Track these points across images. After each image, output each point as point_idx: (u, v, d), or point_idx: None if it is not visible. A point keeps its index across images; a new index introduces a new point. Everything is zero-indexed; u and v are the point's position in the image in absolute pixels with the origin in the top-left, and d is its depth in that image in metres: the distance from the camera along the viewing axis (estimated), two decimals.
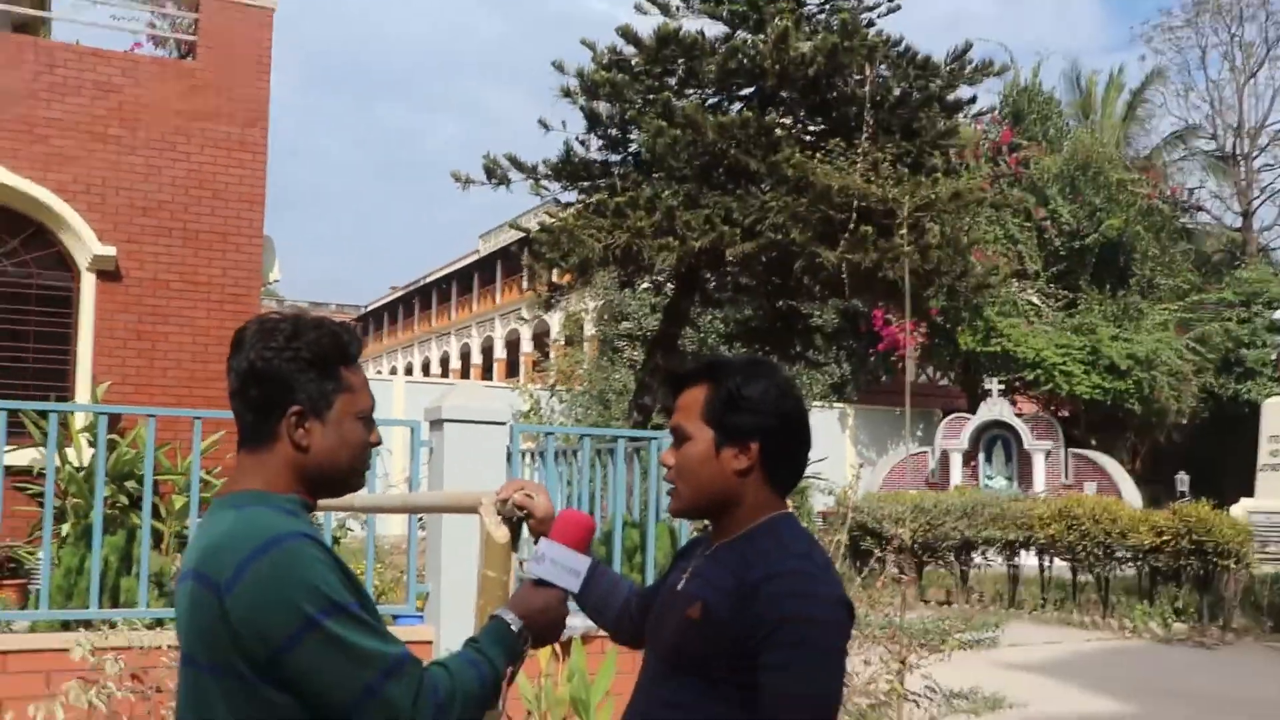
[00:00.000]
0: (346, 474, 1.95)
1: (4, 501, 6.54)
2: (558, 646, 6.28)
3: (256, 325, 1.95)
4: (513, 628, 2.01)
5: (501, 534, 2.28)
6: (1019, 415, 25.55)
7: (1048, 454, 24.66)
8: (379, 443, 2.02)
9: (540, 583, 2.13)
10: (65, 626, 5.67)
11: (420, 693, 1.77)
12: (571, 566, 2.14)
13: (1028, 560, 16.57)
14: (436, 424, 6.76)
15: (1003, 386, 25.64)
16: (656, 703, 2.13)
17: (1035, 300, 27.81)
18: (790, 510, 2.21)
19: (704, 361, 2.22)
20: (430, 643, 6.30)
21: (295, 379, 1.90)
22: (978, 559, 17.03)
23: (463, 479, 6.48)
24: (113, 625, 5.51)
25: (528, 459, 8.75)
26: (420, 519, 9.11)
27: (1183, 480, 26.51)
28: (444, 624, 6.38)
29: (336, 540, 9.06)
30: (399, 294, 61.79)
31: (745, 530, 2.13)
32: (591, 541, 2.19)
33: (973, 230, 23.27)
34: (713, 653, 2.01)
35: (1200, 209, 36.27)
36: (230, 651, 1.74)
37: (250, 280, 10.74)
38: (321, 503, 2.02)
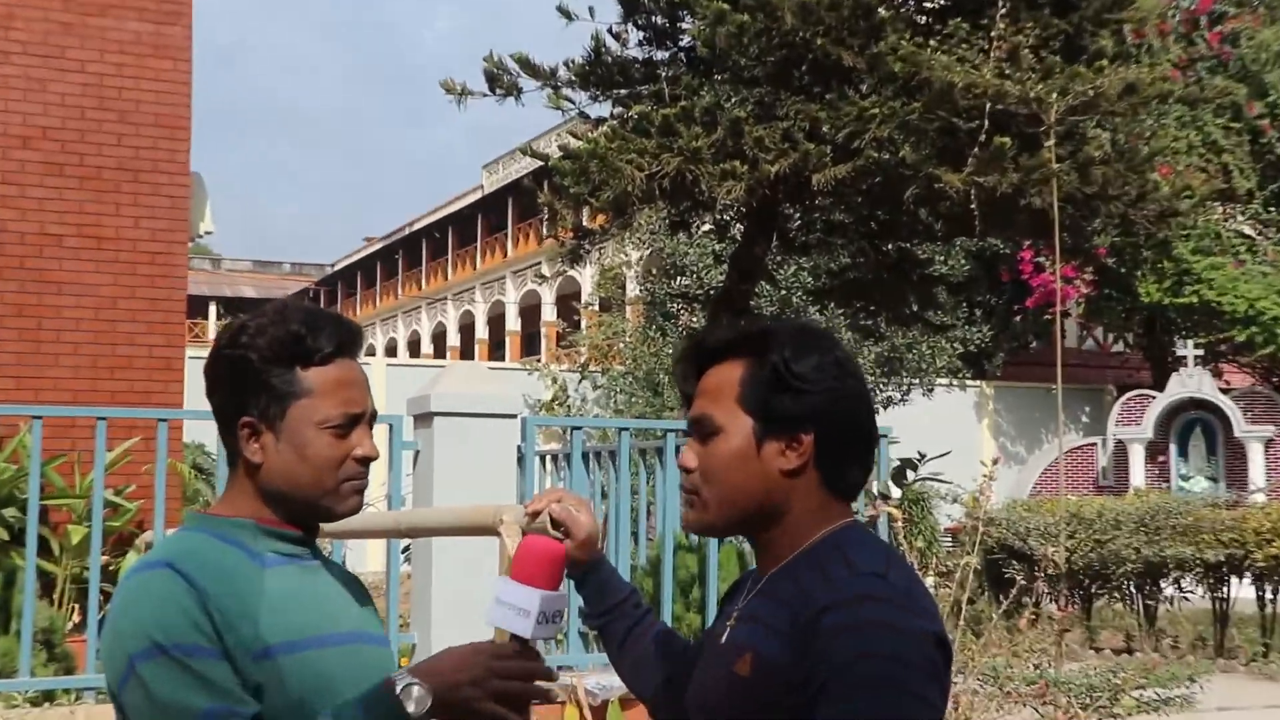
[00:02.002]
0: (314, 496, 2.20)
1: None
2: (588, 711, 6.34)
3: (238, 320, 2.26)
4: (397, 687, 2.06)
5: None
6: (1226, 391, 25.32)
7: (1268, 443, 24.41)
8: (370, 456, 2.23)
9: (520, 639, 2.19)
10: None
11: None
12: (519, 605, 2.17)
13: (1242, 592, 16.44)
14: (423, 418, 6.92)
15: (1202, 352, 25.38)
16: None
17: (1248, 230, 27.46)
18: (857, 519, 2.24)
19: (737, 331, 2.27)
20: None
21: (243, 384, 2.18)
22: (1169, 590, 16.90)
23: (458, 490, 6.59)
24: None
25: (549, 463, 8.86)
26: (405, 549, 9.19)
27: None
28: None
29: None
30: (376, 247, 62.13)
31: (801, 550, 2.17)
32: (563, 574, 2.24)
33: (1156, 137, 23.00)
34: (769, 717, 2.04)
35: None
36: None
37: (172, 233, 10.85)
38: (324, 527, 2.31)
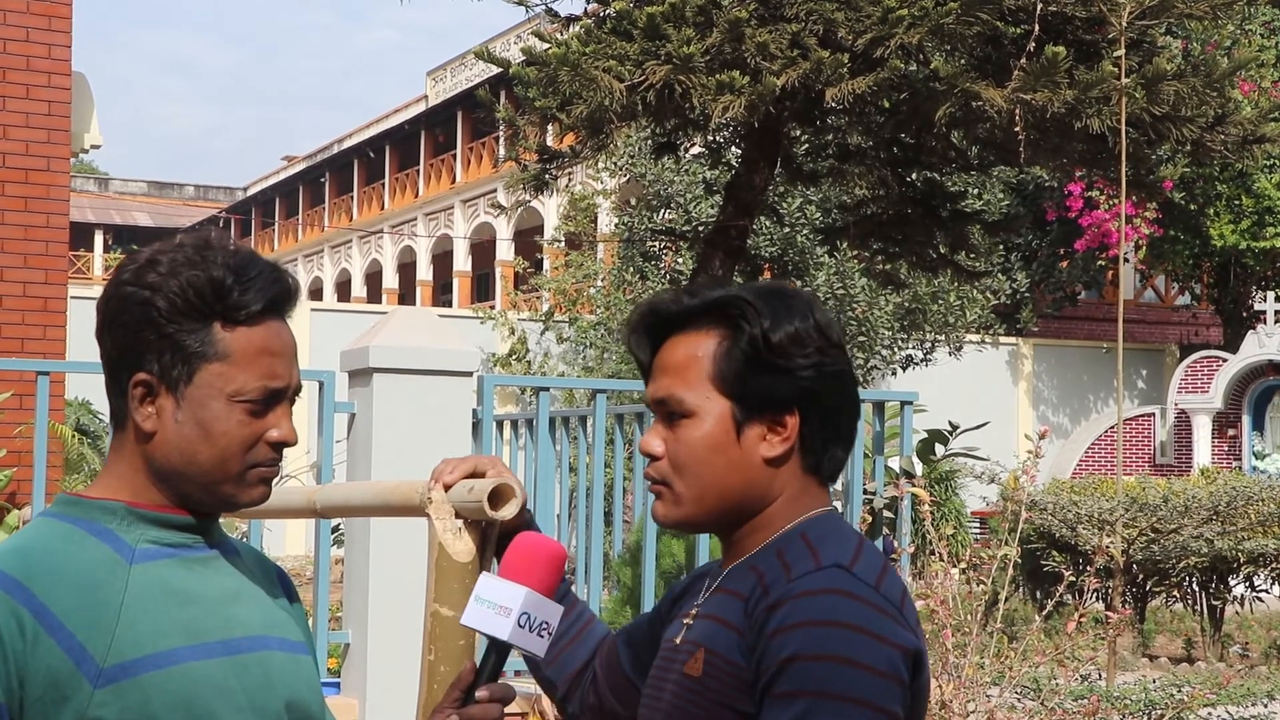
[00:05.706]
0: (212, 480, 2.16)
1: None
2: None
3: (148, 251, 2.18)
4: None
5: (463, 547, 2.33)
6: None
7: None
8: (288, 441, 2.20)
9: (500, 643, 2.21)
10: None
11: None
12: (500, 601, 2.18)
13: None
14: (360, 375, 6.90)
15: None
16: None
17: None
18: (834, 507, 2.32)
19: (702, 296, 2.30)
20: None
21: (143, 333, 2.12)
22: (1239, 589, 17.00)
23: (402, 462, 6.60)
24: None
25: (507, 429, 8.91)
26: (337, 528, 9.17)
27: None
28: (371, 692, 6.47)
29: None
30: (299, 168, 61.91)
31: (768, 541, 2.25)
32: (559, 581, 2.27)
33: (1239, 46, 22.90)
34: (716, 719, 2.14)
35: None
36: None
37: (51, 146, 10.78)
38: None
